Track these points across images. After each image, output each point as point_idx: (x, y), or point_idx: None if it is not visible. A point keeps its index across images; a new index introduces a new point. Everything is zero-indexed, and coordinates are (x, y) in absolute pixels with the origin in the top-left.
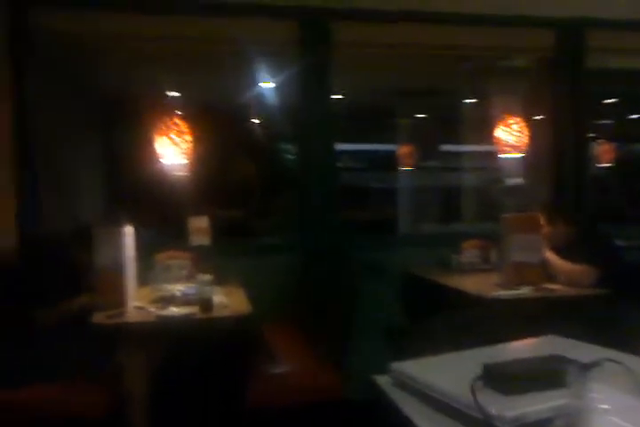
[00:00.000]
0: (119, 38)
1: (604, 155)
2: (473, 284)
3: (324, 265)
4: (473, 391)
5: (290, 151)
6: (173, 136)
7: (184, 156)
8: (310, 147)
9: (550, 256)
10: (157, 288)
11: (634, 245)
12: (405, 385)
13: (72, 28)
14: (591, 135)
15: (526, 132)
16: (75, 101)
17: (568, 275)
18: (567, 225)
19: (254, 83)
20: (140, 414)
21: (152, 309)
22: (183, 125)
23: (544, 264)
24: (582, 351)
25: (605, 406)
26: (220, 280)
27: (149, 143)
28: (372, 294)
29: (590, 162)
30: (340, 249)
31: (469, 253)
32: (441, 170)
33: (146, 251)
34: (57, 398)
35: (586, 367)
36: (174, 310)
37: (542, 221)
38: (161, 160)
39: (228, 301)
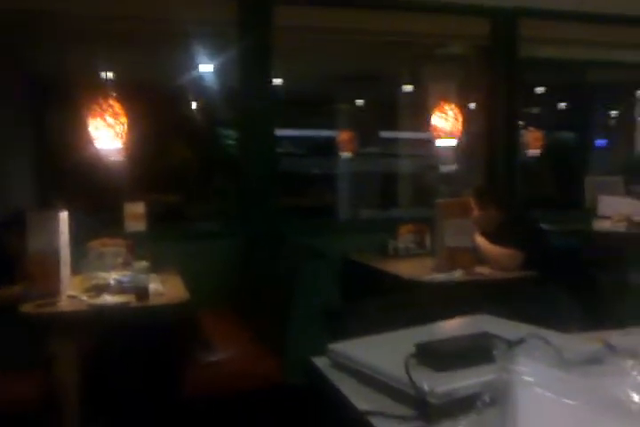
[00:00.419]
0: (52, 16)
1: (533, 142)
2: (408, 268)
3: (263, 251)
4: (407, 369)
5: (229, 136)
6: (108, 118)
7: (119, 139)
8: (250, 132)
9: (479, 240)
10: (91, 276)
11: (560, 229)
12: (342, 366)
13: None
14: (522, 123)
15: (461, 118)
16: (3, 83)
17: (496, 258)
18: (496, 209)
19: (193, 65)
20: (72, 405)
21: (85, 297)
22: (118, 107)
23: (474, 248)
24: (509, 329)
25: (530, 379)
26: (156, 267)
27: (83, 126)
28: (310, 279)
29: (520, 149)
30: (278, 235)
31: (405, 238)
32: (379, 156)
33: (79, 238)
34: None
35: (512, 344)
36: (108, 299)
37: (472, 205)
38: (95, 143)
39: (165, 288)
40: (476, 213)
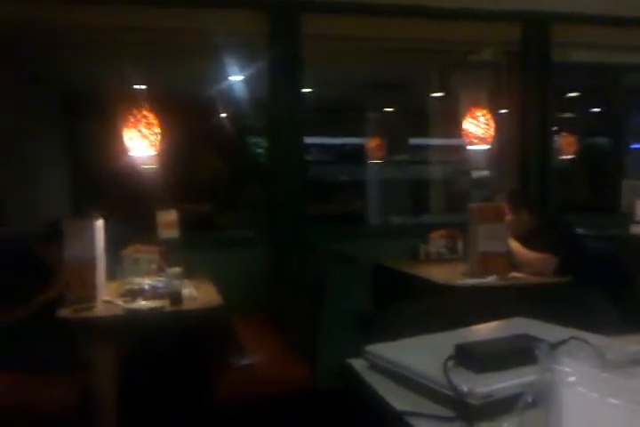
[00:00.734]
0: (87, 30)
1: (566, 147)
2: (440, 273)
3: (293, 258)
4: (445, 370)
5: (259, 145)
6: (142, 128)
7: (153, 148)
8: (279, 140)
9: (513, 245)
10: (126, 282)
11: (596, 233)
12: (379, 367)
13: (37, 19)
14: (555, 128)
15: (493, 124)
16: (40, 96)
17: (529, 263)
18: (529, 214)
19: (223, 76)
20: (108, 409)
21: (120, 302)
22: (152, 118)
23: (508, 253)
24: (549, 331)
25: (573, 379)
26: (189, 274)
27: (118, 137)
28: (341, 285)
29: (554, 154)
30: (308, 242)
31: (437, 243)
32: (409, 163)
33: (114, 245)
34: (25, 393)
35: (554, 345)
36: (143, 304)
37: (506, 210)
38: (129, 153)
39: (198, 294)
40: (509, 217)
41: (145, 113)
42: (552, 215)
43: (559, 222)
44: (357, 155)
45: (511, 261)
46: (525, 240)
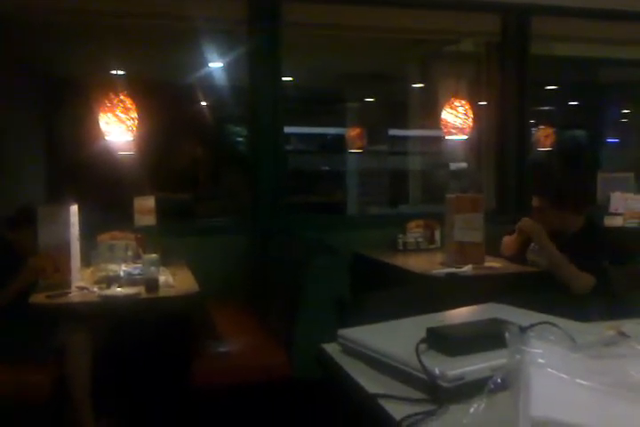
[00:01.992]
0: (62, 13)
1: (544, 139)
2: (417, 262)
3: (273, 246)
4: (417, 353)
5: (238, 133)
6: (119, 113)
7: (130, 133)
8: (259, 129)
9: (556, 254)
10: (101, 268)
11: None
12: (352, 351)
13: (12, 2)
14: (533, 120)
15: (471, 115)
16: (16, 81)
17: (572, 279)
18: (576, 214)
19: (203, 63)
20: (83, 396)
21: (95, 289)
22: (129, 102)
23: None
24: (521, 316)
25: (543, 360)
26: (166, 261)
27: (94, 121)
28: (320, 273)
29: (531, 146)
30: (288, 230)
31: (414, 232)
32: (388, 153)
33: (90, 231)
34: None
35: (524, 328)
36: (118, 290)
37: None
38: (106, 138)
39: (175, 281)
40: (548, 215)
41: (122, 97)
42: (594, 219)
43: (603, 232)
44: (337, 144)
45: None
46: (565, 238)
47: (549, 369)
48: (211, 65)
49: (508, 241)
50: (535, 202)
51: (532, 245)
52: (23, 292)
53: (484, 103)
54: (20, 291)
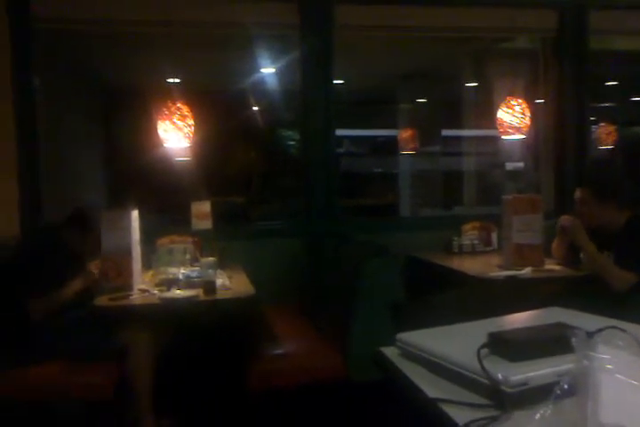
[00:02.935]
0: (123, 23)
1: (605, 137)
2: (474, 265)
3: (327, 249)
4: (479, 358)
5: (291, 137)
6: (176, 120)
7: (186, 140)
8: (311, 132)
9: (595, 254)
10: (161, 271)
11: None
12: (412, 355)
13: (71, 14)
14: (593, 118)
15: (528, 113)
16: (76, 89)
17: (613, 279)
18: (620, 209)
19: (255, 68)
20: (144, 396)
21: (155, 291)
22: (186, 110)
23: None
24: (585, 321)
25: (611, 366)
26: (223, 264)
27: (153, 129)
28: (374, 276)
29: (592, 144)
30: (341, 233)
31: (470, 235)
32: (442, 154)
33: (150, 235)
34: (63, 380)
35: (590, 333)
36: (178, 293)
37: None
38: (164, 145)
39: (231, 283)
40: (591, 209)
41: (179, 105)
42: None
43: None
44: (390, 146)
45: (590, 269)
46: (608, 237)
47: (618, 375)
48: (263, 70)
49: (555, 244)
50: (577, 193)
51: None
52: (89, 294)
53: (542, 101)
54: (78, 292)
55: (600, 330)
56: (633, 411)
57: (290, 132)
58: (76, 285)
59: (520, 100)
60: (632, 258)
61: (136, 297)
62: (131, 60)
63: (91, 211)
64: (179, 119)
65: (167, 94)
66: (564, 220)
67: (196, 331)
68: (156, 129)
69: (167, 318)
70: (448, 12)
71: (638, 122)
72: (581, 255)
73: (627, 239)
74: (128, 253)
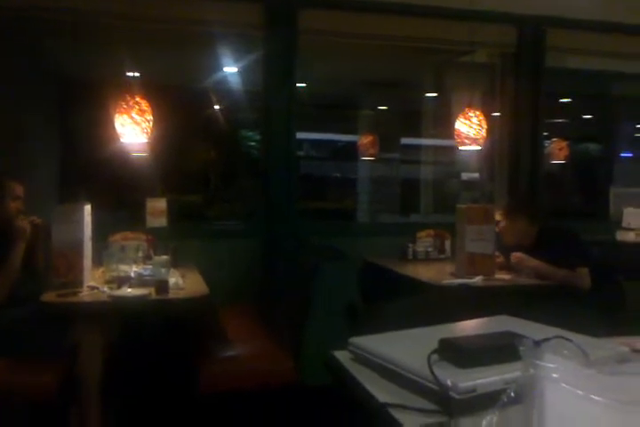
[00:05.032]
0: (78, 16)
1: (557, 152)
2: (427, 272)
3: (283, 251)
4: (429, 364)
5: (251, 138)
6: (134, 115)
7: (144, 135)
8: (272, 134)
9: (536, 264)
10: (112, 268)
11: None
12: (363, 359)
13: (32, 2)
14: (546, 133)
15: (485, 125)
16: (32, 82)
17: (568, 280)
18: (531, 223)
19: (218, 67)
20: (92, 395)
21: (106, 288)
22: (145, 104)
23: (531, 272)
24: (533, 330)
25: (557, 375)
26: (176, 263)
27: (109, 123)
28: (329, 280)
29: (545, 158)
30: (298, 236)
31: (424, 242)
32: (401, 162)
33: (102, 231)
34: (11, 380)
35: (538, 342)
36: (129, 291)
37: (502, 217)
38: (121, 140)
39: (184, 283)
40: (504, 225)
41: (137, 99)
42: (555, 223)
43: (564, 231)
44: (349, 152)
45: (537, 275)
46: (524, 251)
47: (564, 384)
48: (225, 69)
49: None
50: (496, 215)
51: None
52: (36, 290)
53: (498, 114)
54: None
55: (547, 339)
56: (578, 421)
57: (251, 133)
58: (16, 249)
59: (477, 113)
60: (569, 258)
61: (85, 294)
62: (89, 52)
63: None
64: (137, 113)
65: (126, 88)
66: (514, 258)
67: (147, 330)
68: (112, 123)
69: (117, 316)
70: (411, 22)
71: (589, 138)
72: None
73: (545, 250)
74: (79, 248)
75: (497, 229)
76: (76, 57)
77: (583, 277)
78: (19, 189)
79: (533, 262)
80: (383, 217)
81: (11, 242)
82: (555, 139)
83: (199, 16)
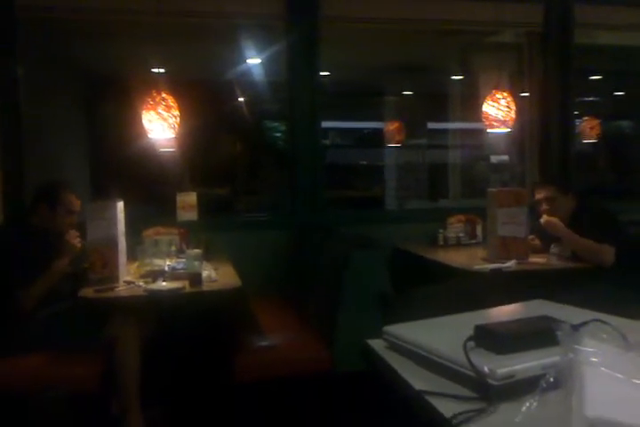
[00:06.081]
0: (103, 12)
1: (589, 131)
2: (459, 257)
3: (312, 240)
4: (465, 351)
5: (277, 129)
6: (161, 111)
7: (172, 131)
8: (297, 124)
9: (566, 232)
10: (146, 263)
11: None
12: (398, 347)
13: (56, 2)
14: (577, 111)
15: (514, 107)
16: (60, 79)
17: (592, 252)
18: (574, 198)
19: (241, 59)
20: (130, 388)
21: (141, 283)
22: (171, 100)
23: (560, 239)
24: (570, 314)
25: (596, 359)
26: (208, 255)
27: (137, 119)
28: (360, 268)
29: (576, 138)
30: (327, 225)
31: (455, 227)
32: (428, 147)
33: (135, 226)
34: (48, 372)
35: (575, 326)
36: (163, 285)
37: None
38: (148, 136)
39: (217, 275)
40: (558, 203)
41: (164, 95)
42: (593, 204)
43: (600, 210)
44: (376, 139)
45: (564, 247)
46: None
47: (603, 368)
48: (249, 61)
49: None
50: (540, 193)
51: (552, 246)
52: (75, 286)
53: (527, 95)
54: (65, 273)
55: (584, 323)
56: (618, 404)
57: (276, 124)
58: (60, 262)
59: (505, 94)
60: (597, 234)
61: (122, 289)
62: (115, 49)
63: (52, 186)
64: (163, 109)
65: (152, 84)
66: (547, 223)
67: (182, 323)
68: (140, 119)
69: (153, 309)
70: (435, 4)
71: (621, 116)
72: (549, 259)
73: (580, 227)
74: (114, 244)
75: (541, 207)
76: (103, 53)
77: (606, 252)
78: (76, 204)
79: (562, 228)
80: (412, 204)
81: (59, 255)
82: (586, 117)
83: (221, 8)
